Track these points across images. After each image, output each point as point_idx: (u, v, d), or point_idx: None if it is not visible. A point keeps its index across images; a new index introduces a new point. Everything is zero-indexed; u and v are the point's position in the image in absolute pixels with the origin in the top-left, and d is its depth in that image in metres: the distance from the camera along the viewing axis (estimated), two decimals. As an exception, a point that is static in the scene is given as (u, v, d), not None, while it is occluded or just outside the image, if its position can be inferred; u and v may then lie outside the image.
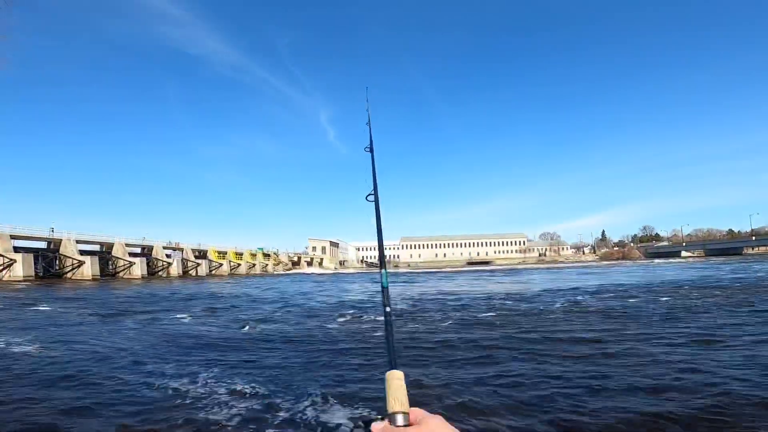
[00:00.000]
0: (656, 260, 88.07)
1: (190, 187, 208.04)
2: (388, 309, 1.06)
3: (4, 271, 39.19)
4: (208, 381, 5.31)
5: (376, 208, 1.57)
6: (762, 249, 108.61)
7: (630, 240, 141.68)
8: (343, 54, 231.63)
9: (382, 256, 1.22)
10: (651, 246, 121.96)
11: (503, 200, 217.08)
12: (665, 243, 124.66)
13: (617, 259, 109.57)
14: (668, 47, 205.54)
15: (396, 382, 0.72)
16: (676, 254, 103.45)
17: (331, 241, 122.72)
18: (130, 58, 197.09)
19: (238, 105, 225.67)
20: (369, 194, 1.63)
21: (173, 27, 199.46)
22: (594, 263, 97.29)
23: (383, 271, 1.21)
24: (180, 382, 5.25)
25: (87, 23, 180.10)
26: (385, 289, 1.15)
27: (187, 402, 4.54)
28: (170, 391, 4.91)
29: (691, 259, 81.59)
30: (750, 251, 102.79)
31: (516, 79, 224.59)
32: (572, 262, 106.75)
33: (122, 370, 5.96)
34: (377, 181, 1.67)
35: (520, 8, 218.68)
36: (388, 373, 0.75)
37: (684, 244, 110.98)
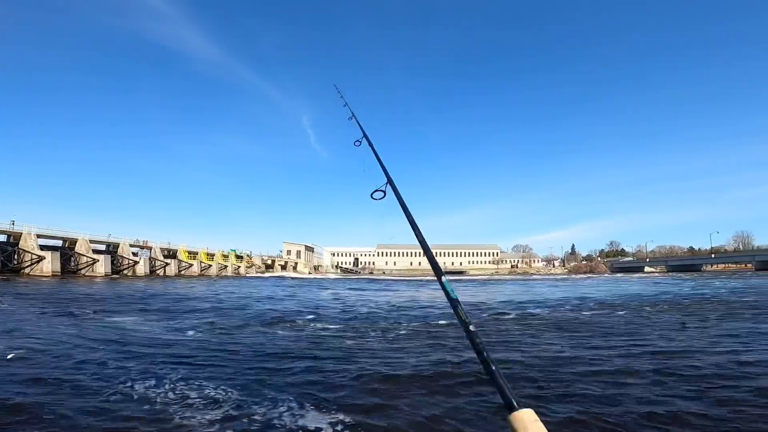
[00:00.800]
0: (621, 274, 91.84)
1: (162, 185, 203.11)
2: (472, 328, 0.87)
3: (-42, 264, 37.79)
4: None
5: (399, 202, 1.39)
6: (720, 266, 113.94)
7: (597, 254, 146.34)
8: (326, 56, 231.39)
9: (433, 260, 1.00)
10: (617, 261, 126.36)
11: (478, 211, 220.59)
12: (630, 258, 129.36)
13: (585, 272, 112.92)
14: (632, 66, 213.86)
15: (534, 425, 0.62)
16: (640, 269, 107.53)
17: (306, 246, 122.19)
18: (106, 49, 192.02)
19: (217, 103, 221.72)
20: (376, 190, 1.57)
21: (154, 21, 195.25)
22: (564, 276, 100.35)
23: (444, 279, 1.03)
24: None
25: (62, 10, 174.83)
26: (455, 301, 0.94)
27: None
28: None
29: (654, 275, 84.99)
30: (709, 268, 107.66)
31: (497, 90, 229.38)
32: (543, 275, 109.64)
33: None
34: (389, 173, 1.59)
35: (501, 17, 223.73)
36: (514, 415, 0.64)
37: (647, 259, 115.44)
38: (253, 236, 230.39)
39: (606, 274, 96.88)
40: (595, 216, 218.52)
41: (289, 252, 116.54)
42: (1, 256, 42.68)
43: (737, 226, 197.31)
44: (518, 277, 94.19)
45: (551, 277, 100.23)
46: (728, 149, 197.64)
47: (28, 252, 44.92)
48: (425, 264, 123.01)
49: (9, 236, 45.50)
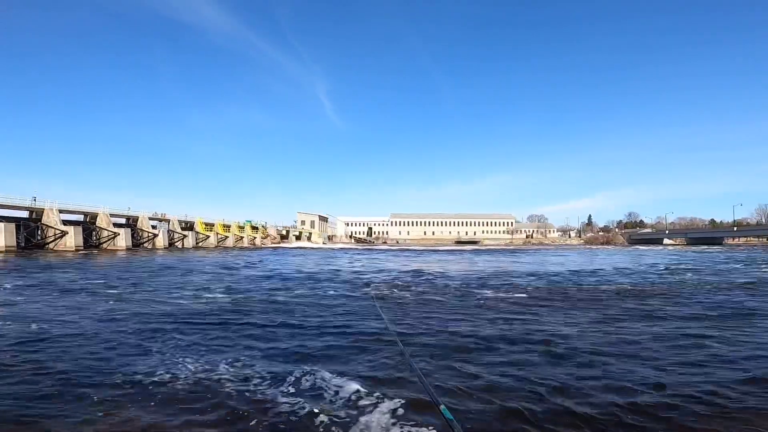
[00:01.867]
0: (639, 246, 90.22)
1: (179, 158, 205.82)
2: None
3: (-16, 241, 39.11)
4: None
5: None
6: (742, 240, 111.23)
7: (615, 225, 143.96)
8: (342, 25, 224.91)
9: None
10: (635, 232, 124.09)
11: (494, 180, 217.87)
12: (649, 230, 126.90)
13: (601, 243, 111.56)
14: (658, 37, 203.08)
15: None
16: (659, 241, 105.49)
17: (320, 216, 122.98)
18: (121, 24, 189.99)
19: (232, 75, 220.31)
20: None
21: None
22: (579, 246, 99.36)
23: None
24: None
25: None
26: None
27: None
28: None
29: (671, 247, 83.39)
30: (731, 242, 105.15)
31: (514, 58, 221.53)
32: (558, 245, 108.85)
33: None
34: None
35: None
36: None
37: (667, 231, 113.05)
38: (267, 207, 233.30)
39: (623, 246, 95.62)
40: (614, 186, 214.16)
41: (303, 222, 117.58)
42: (25, 232, 43.92)
43: (761, 199, 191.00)
44: (536, 247, 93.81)
45: (567, 246, 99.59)
46: (753, 121, 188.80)
47: (51, 227, 46.14)
48: (438, 233, 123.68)
49: (32, 212, 46.61)
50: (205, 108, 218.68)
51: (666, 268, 23.55)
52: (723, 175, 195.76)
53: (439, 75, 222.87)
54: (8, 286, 14.72)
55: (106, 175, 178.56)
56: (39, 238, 45.29)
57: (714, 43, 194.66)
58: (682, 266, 25.58)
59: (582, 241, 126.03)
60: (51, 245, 45.33)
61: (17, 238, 41.76)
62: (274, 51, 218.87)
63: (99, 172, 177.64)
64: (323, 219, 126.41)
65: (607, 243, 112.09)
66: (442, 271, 22.52)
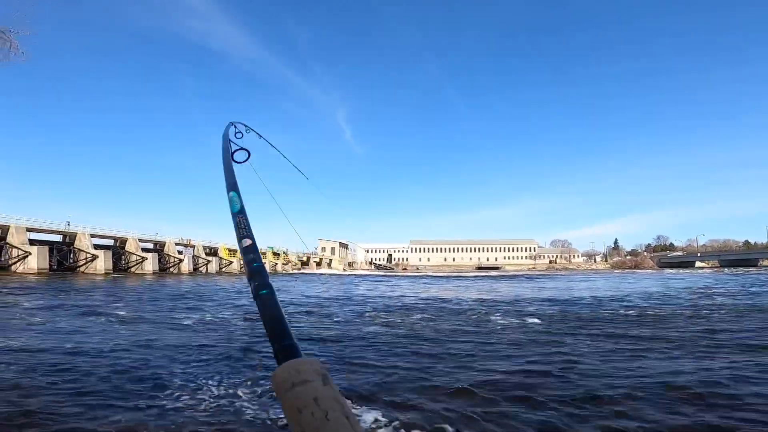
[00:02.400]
0: (670, 270, 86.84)
1: (203, 184, 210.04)
2: (247, 241, 0.87)
3: (18, 263, 40.20)
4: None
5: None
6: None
7: (643, 249, 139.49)
8: (362, 51, 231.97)
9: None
10: (664, 255, 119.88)
11: (515, 206, 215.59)
12: (679, 253, 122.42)
13: (629, 268, 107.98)
14: (684, 51, 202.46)
15: (319, 389, 0.43)
16: (690, 264, 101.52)
17: (340, 243, 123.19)
18: (151, 51, 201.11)
19: (255, 101, 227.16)
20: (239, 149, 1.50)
21: (196, 20, 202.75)
22: (605, 271, 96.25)
23: (232, 194, 1.11)
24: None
25: (111, 12, 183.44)
26: (238, 215, 1.00)
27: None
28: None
29: (704, 270, 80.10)
30: (766, 263, 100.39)
31: (533, 81, 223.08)
32: (583, 270, 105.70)
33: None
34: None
35: (540, 9, 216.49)
36: (287, 367, 0.47)
37: (698, 254, 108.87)
38: (289, 233, 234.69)
39: (652, 270, 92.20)
40: (640, 209, 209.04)
41: (323, 249, 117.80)
42: (58, 255, 45.11)
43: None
44: (560, 272, 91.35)
45: (593, 271, 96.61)
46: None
47: (83, 251, 47.26)
48: (459, 260, 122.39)
49: (65, 236, 48.01)
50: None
51: (697, 292, 22.39)
52: (756, 194, 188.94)
53: (456, 97, 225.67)
54: (26, 305, 15.02)
55: (134, 199, 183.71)
56: (71, 261, 46.35)
57: (746, 56, 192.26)
58: (715, 289, 24.30)
59: (609, 265, 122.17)
60: (82, 268, 46.24)
61: (50, 260, 42.82)
62: (295, 76, 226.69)
63: (126, 197, 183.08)
64: (343, 246, 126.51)
65: (636, 267, 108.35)
66: (456, 297, 21.89)
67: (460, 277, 60.27)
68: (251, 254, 0.78)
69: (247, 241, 0.85)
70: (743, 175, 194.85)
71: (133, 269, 52.72)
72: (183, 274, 58.03)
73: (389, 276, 70.95)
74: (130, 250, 54.28)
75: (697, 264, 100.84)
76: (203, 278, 48.86)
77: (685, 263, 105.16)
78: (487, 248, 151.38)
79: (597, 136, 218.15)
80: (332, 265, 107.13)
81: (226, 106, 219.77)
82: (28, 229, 43.47)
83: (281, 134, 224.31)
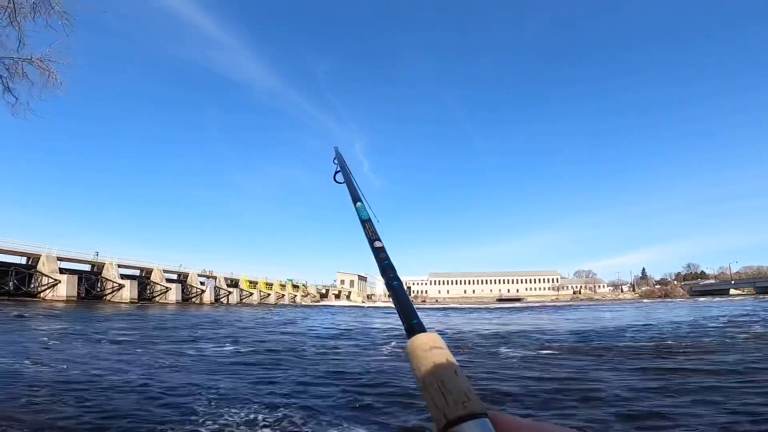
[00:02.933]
0: (702, 298, 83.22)
1: (226, 217, 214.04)
2: (378, 244, 0.98)
3: (48, 291, 41.28)
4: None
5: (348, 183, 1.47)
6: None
7: (673, 278, 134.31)
8: (379, 84, 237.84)
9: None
10: (696, 284, 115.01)
11: (536, 237, 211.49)
12: (712, 281, 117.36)
13: (659, 297, 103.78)
14: (710, 74, 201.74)
15: (437, 355, 0.55)
16: (724, 292, 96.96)
17: (359, 275, 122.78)
18: (178, 82, 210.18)
19: (275, 134, 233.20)
20: (337, 172, 1.67)
21: (220, 52, 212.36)
22: (633, 301, 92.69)
23: (360, 204, 1.18)
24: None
25: (141, 46, 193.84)
26: (366, 222, 1.09)
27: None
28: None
29: (740, 297, 76.55)
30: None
31: (552, 111, 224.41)
32: (609, 300, 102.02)
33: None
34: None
35: (557, 38, 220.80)
36: (415, 339, 0.59)
37: (732, 281, 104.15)
38: (308, 266, 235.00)
39: (683, 299, 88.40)
40: (668, 239, 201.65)
41: (342, 281, 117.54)
42: (86, 283, 46.20)
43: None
44: (585, 303, 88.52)
45: (620, 301, 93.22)
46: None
47: (110, 281, 48.34)
48: (479, 292, 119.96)
49: (93, 266, 49.34)
50: (251, 169, 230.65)
51: (729, 320, 21.28)
52: None
53: (474, 129, 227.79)
54: (44, 328, 15.61)
55: (159, 230, 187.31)
56: (98, 289, 47.33)
57: None
58: (749, 317, 23.05)
59: (637, 295, 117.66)
60: (109, 297, 47.09)
61: (78, 289, 43.83)
62: (314, 108, 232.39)
63: (152, 228, 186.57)
64: (362, 278, 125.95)
65: (666, 296, 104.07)
66: (470, 329, 21.47)
67: (479, 309, 59.00)
68: (382, 254, 0.92)
69: (379, 243, 0.96)
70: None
71: (157, 299, 53.40)
72: (205, 304, 58.46)
73: (419, 308, 69.64)
74: (155, 281, 55.24)
75: (732, 291, 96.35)
76: (224, 308, 49.24)
77: (719, 291, 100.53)
78: (508, 280, 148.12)
79: (619, 166, 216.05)
80: (351, 297, 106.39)
81: (249, 138, 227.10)
82: (59, 258, 44.93)
83: (300, 167, 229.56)
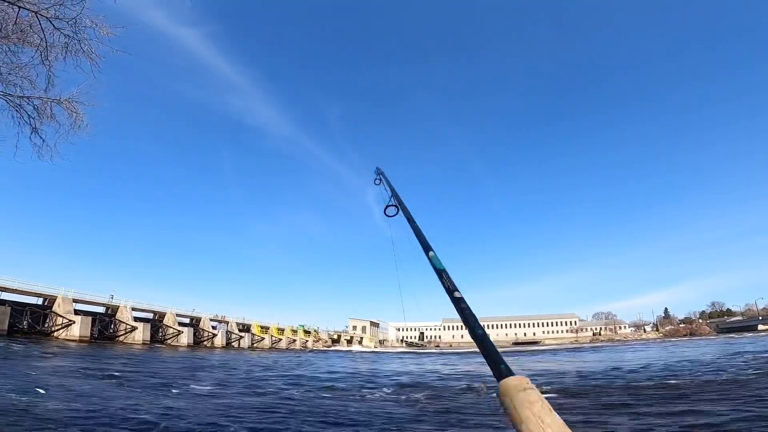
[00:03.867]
0: (729, 335, 79.77)
1: (238, 264, 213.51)
2: (457, 294, 0.98)
3: (62, 330, 41.30)
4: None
5: (407, 218, 1.47)
6: None
7: (697, 316, 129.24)
8: (389, 128, 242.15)
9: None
10: (723, 321, 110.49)
11: (552, 280, 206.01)
12: (739, 318, 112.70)
13: (684, 335, 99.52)
14: (726, 106, 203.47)
15: (530, 395, 0.59)
16: (752, 328, 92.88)
17: (371, 321, 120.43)
18: (195, 125, 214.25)
19: (289, 181, 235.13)
20: (388, 206, 1.60)
21: (235, 96, 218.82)
22: (657, 340, 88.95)
23: (432, 253, 1.18)
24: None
25: (160, 90, 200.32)
26: (442, 272, 1.09)
27: None
28: None
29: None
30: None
31: (565, 150, 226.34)
32: (632, 341, 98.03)
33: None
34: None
35: (569, 76, 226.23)
36: (504, 382, 0.63)
37: (760, 317, 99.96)
38: (320, 312, 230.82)
39: (710, 336, 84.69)
40: (689, 277, 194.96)
41: (354, 327, 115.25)
42: (100, 325, 46.14)
43: None
44: (607, 344, 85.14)
45: (643, 341, 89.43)
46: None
47: (124, 322, 48.26)
48: (494, 336, 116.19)
49: (107, 308, 49.48)
50: (264, 215, 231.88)
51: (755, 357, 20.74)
52: None
53: (484, 172, 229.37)
54: (44, 365, 16.04)
55: (173, 275, 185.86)
56: (111, 330, 47.17)
57: None
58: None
59: (660, 334, 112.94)
60: (121, 338, 46.76)
61: (92, 330, 43.74)
62: (326, 155, 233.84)
63: (166, 273, 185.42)
64: (374, 325, 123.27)
65: (692, 334, 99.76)
66: (474, 373, 21.20)
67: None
68: (463, 304, 0.95)
69: (458, 294, 1.01)
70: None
71: (169, 341, 52.80)
72: (216, 348, 57.69)
73: (418, 353, 67.94)
74: (168, 324, 54.97)
75: (760, 327, 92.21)
76: (235, 352, 48.68)
77: (747, 327, 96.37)
78: (525, 324, 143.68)
79: (634, 203, 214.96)
80: (363, 343, 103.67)
81: (262, 183, 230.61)
82: (75, 300, 45.23)
83: (312, 213, 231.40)
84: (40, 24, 7.66)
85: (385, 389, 12.99)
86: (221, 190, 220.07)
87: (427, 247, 1.14)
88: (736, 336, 73.06)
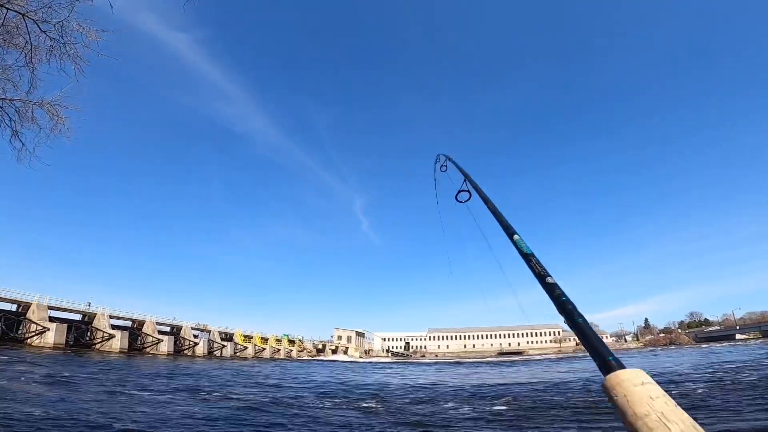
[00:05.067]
0: (708, 344, 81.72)
1: (223, 272, 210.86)
2: (549, 279, 0.86)
3: (36, 337, 40.06)
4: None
5: (485, 201, 1.36)
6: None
7: (677, 326, 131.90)
8: (376, 137, 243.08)
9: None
10: (701, 331, 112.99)
11: (535, 291, 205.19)
12: (717, 327, 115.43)
13: (664, 345, 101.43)
14: (704, 115, 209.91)
15: (650, 389, 0.54)
16: (730, 338, 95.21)
17: (356, 331, 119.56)
18: (181, 132, 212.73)
19: (276, 189, 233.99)
20: (460, 191, 1.45)
21: (224, 102, 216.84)
22: (638, 350, 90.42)
23: (517, 237, 1.04)
24: None
25: (146, 93, 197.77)
26: (528, 255, 0.98)
27: None
28: None
29: (746, 342, 75.24)
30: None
31: (547, 163, 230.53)
32: (614, 351, 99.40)
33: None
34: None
35: (554, 89, 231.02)
36: (612, 377, 0.57)
37: (737, 327, 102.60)
38: (305, 321, 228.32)
39: (688, 346, 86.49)
40: (669, 288, 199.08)
41: (339, 337, 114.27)
42: (75, 332, 44.92)
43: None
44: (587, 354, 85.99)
45: (625, 350, 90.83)
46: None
47: (101, 330, 46.96)
48: (479, 346, 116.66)
49: (84, 316, 48.15)
50: (250, 224, 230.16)
51: (721, 368, 20.39)
52: None
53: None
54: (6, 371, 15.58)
55: (154, 282, 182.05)
56: (88, 338, 45.87)
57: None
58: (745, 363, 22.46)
59: (641, 344, 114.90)
60: (98, 346, 45.52)
61: (67, 337, 42.55)
62: (315, 164, 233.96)
63: (148, 280, 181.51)
64: (360, 334, 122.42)
65: (671, 344, 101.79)
66: (445, 382, 21.37)
67: (475, 363, 57.27)
68: (557, 290, 0.83)
69: (551, 279, 0.89)
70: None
71: (148, 350, 51.54)
72: (197, 356, 56.44)
73: (402, 363, 67.88)
74: (147, 332, 53.66)
75: (738, 336, 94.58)
76: (217, 361, 47.75)
77: (724, 336, 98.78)
78: (509, 334, 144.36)
79: (614, 218, 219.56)
80: (348, 353, 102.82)
81: (249, 192, 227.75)
82: (50, 307, 43.95)
83: (299, 223, 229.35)
84: (26, 26, 7.53)
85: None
86: (206, 196, 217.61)
87: (510, 231, 1.05)
88: (713, 345, 75.05)
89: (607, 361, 0.62)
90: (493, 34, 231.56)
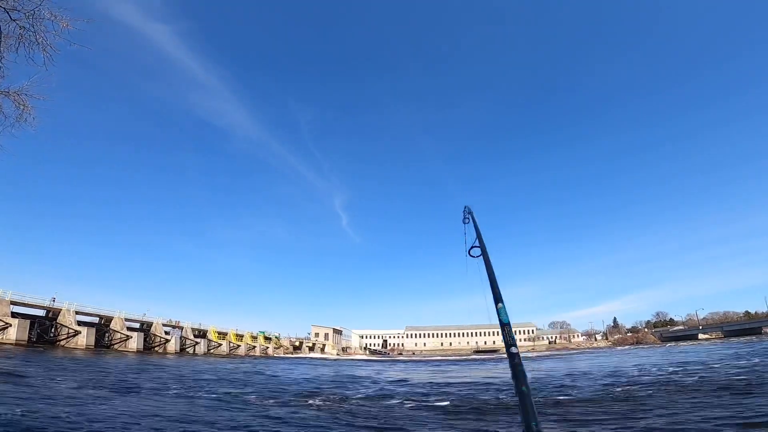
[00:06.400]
0: (671, 343, 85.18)
1: (198, 268, 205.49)
2: (513, 350, 0.95)
3: (-3, 333, 38.25)
4: None
5: (487, 267, 1.44)
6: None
7: (643, 326, 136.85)
8: (359, 136, 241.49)
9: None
10: (666, 330, 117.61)
11: (511, 290, 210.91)
12: (681, 327, 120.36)
13: (631, 344, 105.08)
14: (674, 121, 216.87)
15: None
16: (693, 337, 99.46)
17: (334, 329, 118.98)
18: (158, 124, 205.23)
19: (255, 184, 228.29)
20: (473, 246, 1.56)
21: (203, 95, 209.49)
22: (606, 349, 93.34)
23: (501, 305, 1.11)
24: None
25: (122, 84, 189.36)
26: (506, 326, 1.04)
27: None
28: None
29: (708, 342, 78.80)
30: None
31: (526, 165, 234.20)
32: (583, 349, 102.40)
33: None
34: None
35: (536, 88, 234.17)
36: None
37: (700, 327, 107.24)
38: (281, 318, 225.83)
39: (655, 345, 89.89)
40: (637, 289, 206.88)
41: (317, 334, 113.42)
42: (39, 328, 43.06)
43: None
44: (561, 352, 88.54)
45: (594, 349, 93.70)
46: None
47: (66, 327, 45.13)
48: (456, 344, 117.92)
49: (48, 311, 46.11)
50: (227, 219, 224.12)
51: (679, 367, 21.10)
52: (750, 265, 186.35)
53: (453, 184, 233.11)
54: None
55: (125, 277, 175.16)
56: (52, 335, 44.11)
57: (735, 124, 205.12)
58: (699, 362, 23.43)
59: (610, 343, 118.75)
60: (63, 343, 43.80)
61: (30, 333, 40.77)
62: (296, 159, 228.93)
63: (119, 275, 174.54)
64: (337, 332, 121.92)
65: (638, 343, 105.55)
66: (422, 380, 21.60)
67: (452, 360, 57.94)
68: (517, 359, 0.92)
69: (515, 349, 0.99)
70: (737, 248, 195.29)
71: (116, 346, 49.87)
72: (169, 353, 54.98)
73: (380, 360, 67.97)
74: (115, 328, 51.88)
75: (700, 336, 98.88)
76: (188, 359, 46.62)
77: (688, 336, 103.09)
78: (485, 332, 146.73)
79: (586, 219, 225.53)
80: (325, 350, 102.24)
81: (225, 186, 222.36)
82: (12, 303, 41.93)
83: (277, 219, 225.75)
84: (-5, 14, 7.07)
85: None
86: (182, 190, 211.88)
87: (498, 298, 1.15)
88: (679, 344, 78.31)
89: (530, 425, 0.65)
90: (475, 41, 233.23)
